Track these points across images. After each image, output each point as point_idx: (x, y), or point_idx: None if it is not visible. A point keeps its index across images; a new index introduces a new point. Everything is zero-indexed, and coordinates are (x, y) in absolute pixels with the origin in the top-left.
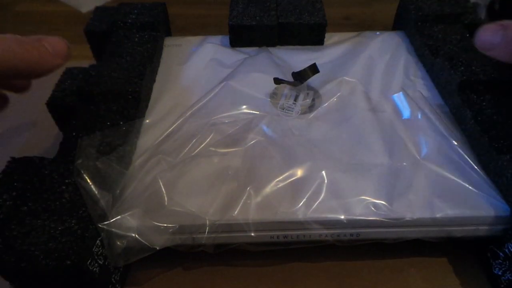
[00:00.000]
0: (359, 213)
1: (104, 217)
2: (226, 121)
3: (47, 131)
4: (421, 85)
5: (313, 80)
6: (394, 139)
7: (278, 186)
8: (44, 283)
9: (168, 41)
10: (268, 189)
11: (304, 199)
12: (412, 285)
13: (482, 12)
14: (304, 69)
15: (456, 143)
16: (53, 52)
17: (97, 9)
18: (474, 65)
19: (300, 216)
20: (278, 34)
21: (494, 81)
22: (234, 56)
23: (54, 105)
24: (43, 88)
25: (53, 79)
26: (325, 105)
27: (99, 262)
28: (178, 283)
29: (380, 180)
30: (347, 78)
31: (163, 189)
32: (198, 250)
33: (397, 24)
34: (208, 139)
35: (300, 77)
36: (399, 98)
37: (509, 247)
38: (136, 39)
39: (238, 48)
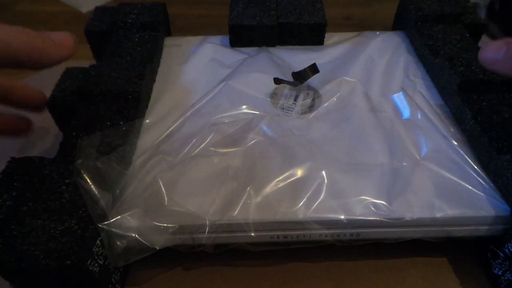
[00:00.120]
0: (359, 213)
1: (104, 217)
2: (226, 121)
3: (47, 131)
4: (421, 85)
5: (313, 80)
6: (394, 139)
7: (278, 186)
8: (44, 283)
9: (168, 41)
10: (268, 189)
11: (304, 199)
12: (412, 285)
13: (482, 12)
14: (304, 69)
15: (456, 143)
16: (58, 43)
17: (97, 9)
18: (474, 65)
19: (300, 216)
20: (278, 34)
21: (494, 81)
22: (234, 56)
23: (54, 105)
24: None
25: (53, 79)
26: (325, 105)
27: (99, 262)
28: (178, 283)
29: (380, 180)
30: (347, 78)
31: (163, 189)
32: (198, 250)
33: (397, 24)
34: (208, 139)
35: (300, 77)
36: (399, 98)
37: (509, 247)
38: (136, 39)
39: (238, 48)
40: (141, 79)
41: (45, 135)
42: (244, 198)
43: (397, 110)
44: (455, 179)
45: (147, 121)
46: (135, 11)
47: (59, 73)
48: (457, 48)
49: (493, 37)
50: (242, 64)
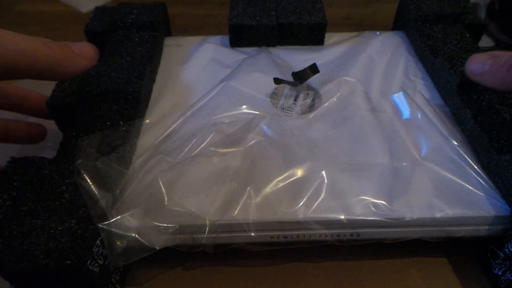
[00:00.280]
0: (359, 213)
1: (104, 217)
2: (226, 121)
3: (47, 131)
4: (421, 85)
5: (313, 80)
6: (394, 139)
7: (278, 186)
8: (44, 283)
9: (168, 41)
10: (268, 189)
11: (304, 199)
12: (412, 285)
13: (482, 12)
14: (304, 69)
15: (456, 143)
16: (79, 53)
17: (97, 9)
18: None
19: (300, 216)
20: (278, 34)
21: None
22: (234, 56)
23: (54, 105)
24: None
25: None
26: (325, 105)
27: (99, 262)
28: (178, 283)
29: (380, 180)
30: (347, 78)
31: (163, 189)
32: (198, 250)
33: (397, 24)
34: (208, 139)
35: (300, 77)
36: (399, 98)
37: (509, 247)
38: (136, 39)
39: (238, 48)
40: (141, 79)
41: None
42: (244, 198)
43: (397, 110)
44: (455, 179)
45: (147, 121)
46: (135, 11)
47: None
48: (457, 48)
49: (493, 37)
50: (242, 64)
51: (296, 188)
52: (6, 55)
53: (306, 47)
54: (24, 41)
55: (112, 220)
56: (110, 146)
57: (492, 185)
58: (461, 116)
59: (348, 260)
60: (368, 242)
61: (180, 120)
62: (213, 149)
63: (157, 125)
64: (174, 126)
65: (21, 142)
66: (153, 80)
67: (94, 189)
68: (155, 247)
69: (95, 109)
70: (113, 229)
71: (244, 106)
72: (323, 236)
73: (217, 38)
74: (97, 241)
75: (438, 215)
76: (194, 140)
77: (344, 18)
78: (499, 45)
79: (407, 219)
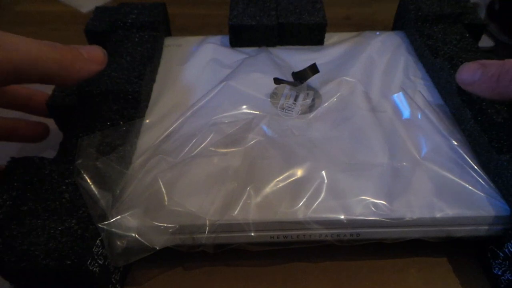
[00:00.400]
0: (359, 213)
1: (104, 217)
2: (226, 121)
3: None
4: (421, 85)
5: (313, 80)
6: (394, 139)
7: (278, 186)
8: (44, 283)
9: (168, 41)
10: (268, 189)
11: (304, 199)
12: (412, 285)
13: (482, 12)
14: (304, 69)
15: (456, 143)
16: (88, 57)
17: (97, 9)
18: None
19: (300, 216)
20: (278, 34)
21: None
22: (234, 56)
23: (54, 105)
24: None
25: None
26: (325, 105)
27: (99, 262)
28: (178, 283)
29: (380, 180)
30: (347, 78)
31: (163, 189)
32: (198, 250)
33: (397, 24)
34: (208, 139)
35: (300, 77)
36: (399, 98)
37: (509, 247)
38: (136, 39)
39: (238, 48)
40: (141, 79)
41: None
42: (244, 198)
43: (397, 110)
44: (455, 179)
45: (147, 121)
46: (135, 11)
47: None
48: (457, 48)
49: (493, 37)
50: (242, 64)
51: (296, 188)
52: (15, 60)
53: (306, 47)
54: (33, 45)
55: (112, 220)
56: (110, 146)
57: (492, 185)
58: (461, 116)
59: (348, 260)
60: (368, 242)
61: (180, 120)
62: (213, 149)
63: (157, 125)
64: (174, 126)
65: (25, 141)
66: (153, 80)
67: (94, 189)
68: (155, 247)
69: (95, 109)
70: (113, 229)
71: (244, 106)
72: (323, 236)
73: (217, 38)
74: (97, 241)
75: (438, 215)
76: (194, 140)
77: (344, 18)
78: (499, 45)
79: (407, 219)
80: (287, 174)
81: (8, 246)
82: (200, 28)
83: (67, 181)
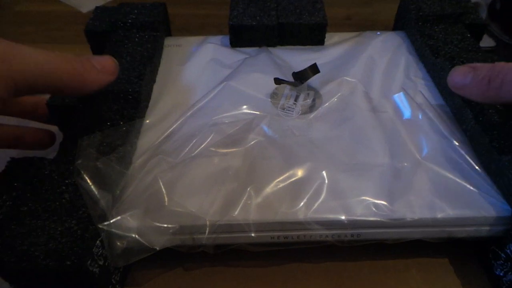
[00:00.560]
0: (360, 214)
1: (104, 217)
2: (227, 121)
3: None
4: (422, 85)
5: (314, 80)
6: (394, 139)
7: (279, 186)
8: (44, 284)
9: (168, 41)
10: (269, 189)
11: (305, 200)
12: (413, 286)
13: (483, 12)
14: (305, 69)
15: (457, 144)
16: (100, 68)
17: (97, 9)
18: None
19: (300, 216)
20: (278, 34)
21: None
22: (234, 56)
23: (54, 105)
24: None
25: None
26: (325, 105)
27: (99, 262)
28: (178, 284)
29: (381, 180)
30: (347, 78)
31: (163, 189)
32: (198, 250)
33: (398, 24)
34: (209, 139)
35: (301, 77)
36: (399, 98)
37: (511, 248)
38: (136, 39)
39: (238, 48)
40: (141, 79)
41: None
42: (244, 198)
43: (398, 110)
44: (456, 179)
45: (147, 121)
46: (135, 11)
47: None
48: (458, 48)
49: (494, 36)
50: (242, 64)
51: (297, 188)
52: (27, 72)
53: (306, 47)
54: (45, 57)
55: (112, 221)
56: (110, 146)
57: (493, 185)
58: (462, 116)
59: (349, 260)
60: (368, 242)
61: (180, 120)
62: (213, 149)
63: (157, 125)
64: (174, 126)
65: (32, 148)
66: (153, 80)
67: (94, 189)
68: (155, 247)
69: (95, 109)
70: (113, 230)
71: (245, 106)
72: (324, 236)
73: (217, 38)
74: (97, 242)
75: (439, 215)
76: (194, 140)
77: (344, 18)
78: (501, 45)
79: (408, 219)
80: (287, 174)
81: (8, 246)
82: (200, 28)
83: (67, 181)
